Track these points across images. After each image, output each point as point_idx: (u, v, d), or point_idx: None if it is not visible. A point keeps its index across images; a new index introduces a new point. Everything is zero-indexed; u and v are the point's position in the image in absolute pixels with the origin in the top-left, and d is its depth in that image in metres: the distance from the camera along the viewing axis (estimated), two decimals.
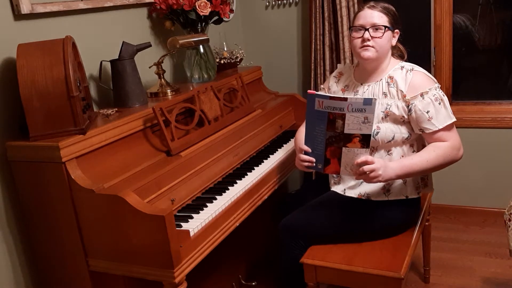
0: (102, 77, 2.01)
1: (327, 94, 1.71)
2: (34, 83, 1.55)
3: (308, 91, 1.70)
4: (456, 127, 1.85)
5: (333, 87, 2.06)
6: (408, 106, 1.81)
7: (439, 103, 1.80)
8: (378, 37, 1.82)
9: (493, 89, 3.01)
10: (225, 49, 2.76)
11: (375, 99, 1.61)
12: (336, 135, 1.67)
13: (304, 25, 3.02)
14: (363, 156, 1.68)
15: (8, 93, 1.69)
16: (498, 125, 2.75)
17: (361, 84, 1.95)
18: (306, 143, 1.76)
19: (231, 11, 2.50)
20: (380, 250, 1.84)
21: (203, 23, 2.35)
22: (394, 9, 1.90)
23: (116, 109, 1.89)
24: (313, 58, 2.89)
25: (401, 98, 1.83)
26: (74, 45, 1.70)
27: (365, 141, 1.66)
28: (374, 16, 1.84)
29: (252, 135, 2.28)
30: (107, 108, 1.88)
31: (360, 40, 1.85)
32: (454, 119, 1.82)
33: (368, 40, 1.82)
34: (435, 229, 2.64)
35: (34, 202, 1.65)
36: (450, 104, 1.85)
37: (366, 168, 1.67)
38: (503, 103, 2.83)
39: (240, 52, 2.76)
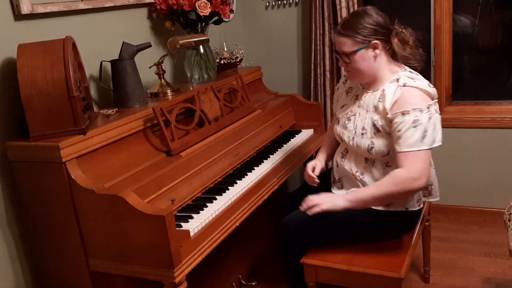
0: (102, 77, 2.01)
1: None
2: (34, 83, 1.55)
3: None
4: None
5: (340, 87, 2.05)
6: (390, 122, 1.72)
7: (415, 127, 1.64)
8: (350, 63, 1.76)
9: (493, 89, 3.00)
10: (225, 49, 2.76)
11: None
12: None
13: (304, 25, 3.02)
14: None
15: (8, 93, 1.69)
16: (498, 125, 2.75)
17: (363, 89, 1.89)
18: None
19: (231, 11, 2.50)
20: (380, 250, 1.84)
21: (203, 23, 2.35)
22: (362, 20, 1.71)
23: (116, 109, 1.89)
24: (313, 58, 2.90)
25: (384, 116, 1.74)
26: (74, 45, 1.70)
27: None
28: (340, 42, 1.74)
29: (252, 135, 2.28)
30: (107, 108, 1.88)
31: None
32: (428, 147, 1.65)
33: (345, 65, 1.79)
34: (435, 229, 2.64)
35: (34, 202, 1.65)
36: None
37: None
38: (503, 103, 2.83)
39: (240, 52, 2.76)
